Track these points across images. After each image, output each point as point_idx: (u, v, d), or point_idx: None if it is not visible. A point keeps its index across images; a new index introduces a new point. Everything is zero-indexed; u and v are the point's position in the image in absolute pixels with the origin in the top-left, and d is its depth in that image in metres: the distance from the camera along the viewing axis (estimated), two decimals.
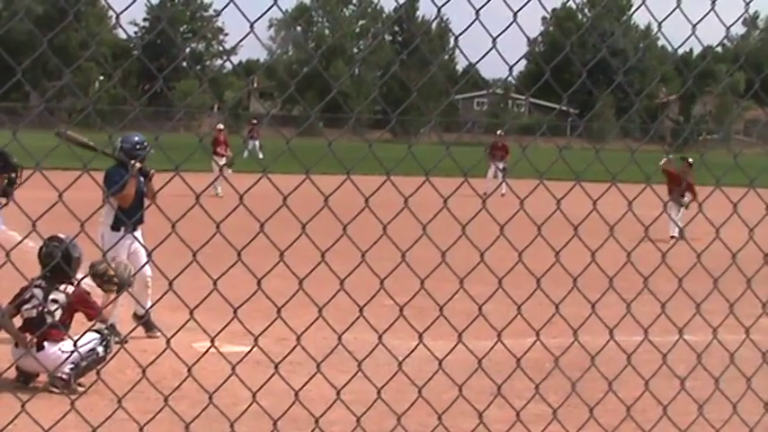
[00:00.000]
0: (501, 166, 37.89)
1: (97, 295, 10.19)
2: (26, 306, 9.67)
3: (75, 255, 9.93)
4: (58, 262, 9.70)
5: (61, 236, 9.62)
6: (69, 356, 9.29)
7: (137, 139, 12.24)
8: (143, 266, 11.43)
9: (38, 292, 9.70)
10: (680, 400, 5.61)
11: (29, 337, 9.38)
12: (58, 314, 9.62)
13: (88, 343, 9.57)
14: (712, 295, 5.25)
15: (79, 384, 9.52)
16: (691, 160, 26.69)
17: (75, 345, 9.43)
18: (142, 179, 11.95)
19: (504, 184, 29.50)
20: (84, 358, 9.42)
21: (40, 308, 9.65)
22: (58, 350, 9.32)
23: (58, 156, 3.56)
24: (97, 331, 9.78)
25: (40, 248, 9.61)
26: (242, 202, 3.87)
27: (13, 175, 8.96)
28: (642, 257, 4.86)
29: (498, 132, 43.69)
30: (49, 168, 3.62)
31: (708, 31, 4.99)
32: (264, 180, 3.98)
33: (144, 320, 11.72)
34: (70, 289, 9.77)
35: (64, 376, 9.41)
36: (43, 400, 4.59)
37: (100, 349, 9.61)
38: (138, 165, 11.73)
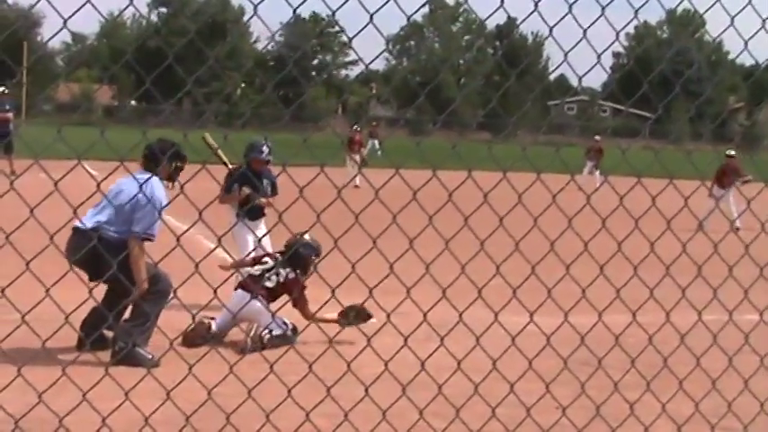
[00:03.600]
0: (595, 164, 39.02)
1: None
2: (256, 266, 10.07)
3: (304, 253, 10.07)
4: (298, 256, 9.97)
5: (305, 234, 9.87)
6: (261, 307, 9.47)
7: (252, 142, 11.90)
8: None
9: (272, 261, 10.09)
10: (760, 373, 5.48)
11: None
12: (273, 284, 9.91)
13: (285, 323, 9.70)
14: (729, 281, 5.06)
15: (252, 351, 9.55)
16: (732, 153, 26.27)
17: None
18: (268, 187, 11.96)
19: (599, 180, 30.60)
20: (275, 331, 9.57)
21: (267, 272, 10.00)
22: (264, 308, 9.47)
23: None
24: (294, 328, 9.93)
25: (296, 240, 9.84)
26: (377, 196, 3.85)
27: (180, 164, 9.15)
28: (725, 247, 4.75)
29: (596, 137, 43.95)
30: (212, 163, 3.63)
31: None
32: (387, 174, 3.98)
33: None
34: (291, 275, 10.00)
35: (266, 337, 9.54)
36: (203, 363, 4.63)
37: (289, 333, 9.73)
38: (246, 191, 11.62)
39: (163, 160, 8.79)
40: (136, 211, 8.51)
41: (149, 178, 8.46)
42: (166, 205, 8.53)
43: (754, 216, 5.13)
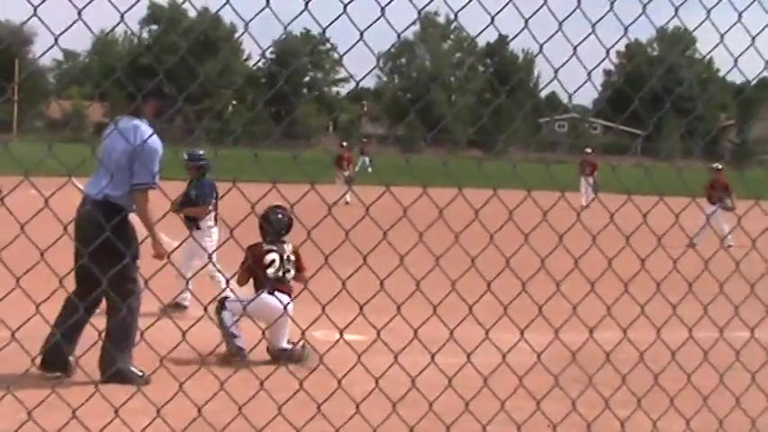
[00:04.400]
0: (591, 180, 37.67)
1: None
2: (270, 270, 9.76)
3: (292, 218, 10.03)
4: (286, 226, 9.93)
5: (280, 204, 9.83)
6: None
7: (193, 152, 12.29)
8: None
9: (275, 255, 9.82)
10: (750, 391, 5.49)
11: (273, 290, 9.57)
12: (293, 272, 9.81)
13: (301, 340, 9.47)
14: (720, 298, 5.07)
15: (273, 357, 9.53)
16: (719, 166, 26.50)
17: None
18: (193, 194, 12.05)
19: (594, 197, 30.08)
20: (286, 351, 9.46)
21: (282, 268, 9.78)
22: (290, 306, 9.36)
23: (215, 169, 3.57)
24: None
25: (265, 215, 9.81)
26: (368, 213, 3.86)
27: (162, 99, 8.77)
28: (716, 264, 4.76)
29: (588, 150, 43.50)
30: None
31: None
32: (378, 191, 3.99)
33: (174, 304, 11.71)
34: (293, 245, 9.92)
35: (288, 348, 9.47)
36: (193, 380, 4.61)
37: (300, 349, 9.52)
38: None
39: (147, 98, 8.37)
40: (133, 162, 8.26)
41: (135, 126, 8.20)
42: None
43: (745, 233, 5.15)
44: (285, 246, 9.90)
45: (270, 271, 9.77)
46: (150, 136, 8.30)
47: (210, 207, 12.05)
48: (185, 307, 11.94)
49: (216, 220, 12.15)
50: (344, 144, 37.74)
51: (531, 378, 4.94)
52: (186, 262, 11.89)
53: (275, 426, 4.59)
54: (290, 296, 9.56)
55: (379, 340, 4.29)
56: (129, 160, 8.27)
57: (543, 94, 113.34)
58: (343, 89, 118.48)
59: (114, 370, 8.19)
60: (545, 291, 4.68)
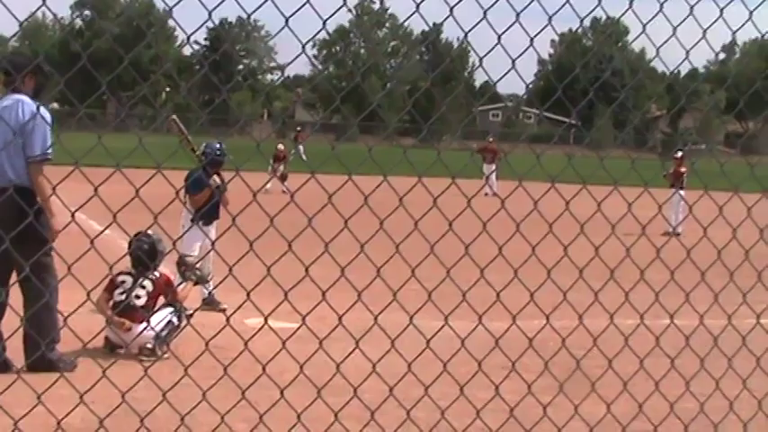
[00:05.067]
0: (492, 168, 38.06)
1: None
2: (117, 291, 9.79)
3: (160, 248, 10.00)
4: (146, 254, 9.84)
5: (149, 232, 9.79)
6: (143, 329, 9.36)
7: (218, 145, 12.24)
8: (204, 256, 11.48)
9: (128, 278, 9.85)
10: (669, 376, 5.59)
11: (120, 319, 9.47)
12: (144, 300, 9.73)
13: (165, 317, 9.69)
14: (699, 286, 5.24)
15: (164, 352, 9.57)
16: (679, 154, 27.24)
17: (149, 322, 9.46)
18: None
19: (488, 186, 30.19)
20: (163, 329, 9.57)
21: (129, 293, 9.75)
22: (141, 328, 9.36)
23: (137, 156, 3.57)
24: (170, 305, 9.88)
25: (130, 242, 9.82)
26: (293, 199, 3.88)
27: (43, 79, 8.62)
28: (638, 252, 4.84)
29: (490, 139, 44.27)
30: (126, 167, 3.61)
31: (692, 54, 4.96)
32: (309, 178, 4.00)
33: (209, 301, 11.82)
34: (156, 274, 9.89)
35: (149, 346, 9.52)
36: (120, 367, 4.61)
37: (174, 320, 9.78)
38: (217, 180, 11.74)
39: (23, 73, 8.15)
40: (24, 136, 8.07)
41: (18, 101, 8.06)
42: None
43: (665, 218, 5.24)
44: (147, 274, 9.89)
45: (116, 292, 9.80)
46: (38, 108, 8.12)
47: (186, 199, 11.85)
48: (214, 300, 11.93)
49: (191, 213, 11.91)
50: (281, 147, 37.78)
51: (455, 364, 4.99)
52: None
53: (200, 412, 4.59)
54: (134, 323, 9.57)
55: (305, 326, 4.31)
56: (21, 135, 8.09)
57: (478, 83, 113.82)
58: (278, 76, 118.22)
59: (39, 357, 7.99)
60: (471, 278, 4.73)
